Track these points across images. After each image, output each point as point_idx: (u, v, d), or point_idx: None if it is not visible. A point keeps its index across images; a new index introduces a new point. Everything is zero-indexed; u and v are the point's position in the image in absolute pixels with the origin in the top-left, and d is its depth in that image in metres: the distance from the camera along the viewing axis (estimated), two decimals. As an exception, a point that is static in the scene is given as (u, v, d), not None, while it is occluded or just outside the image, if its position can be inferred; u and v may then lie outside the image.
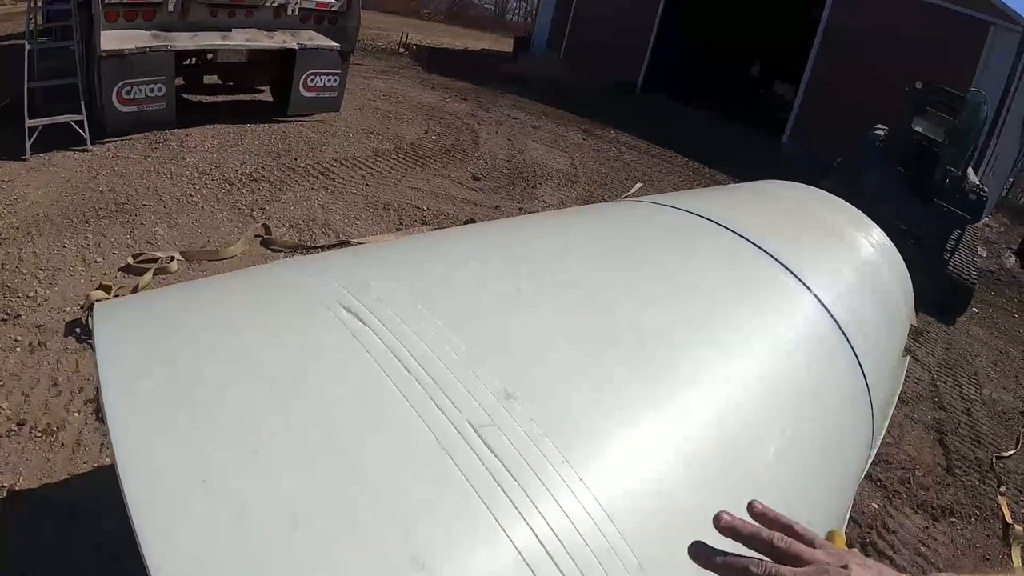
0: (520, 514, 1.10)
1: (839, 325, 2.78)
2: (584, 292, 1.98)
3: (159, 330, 1.49)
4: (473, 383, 1.30)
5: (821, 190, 4.96)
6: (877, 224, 4.72)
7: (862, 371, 2.78)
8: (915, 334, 8.44)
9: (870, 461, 3.23)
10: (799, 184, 5.12)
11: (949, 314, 9.83)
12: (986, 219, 25.83)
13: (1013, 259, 19.12)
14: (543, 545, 1.08)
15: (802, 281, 2.82)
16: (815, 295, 2.80)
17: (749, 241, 2.95)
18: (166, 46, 6.92)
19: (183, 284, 1.92)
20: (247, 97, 9.51)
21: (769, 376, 2.15)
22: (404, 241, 2.52)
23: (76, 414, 3.59)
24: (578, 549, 1.11)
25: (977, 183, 11.19)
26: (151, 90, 7.05)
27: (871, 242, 4.32)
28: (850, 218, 4.60)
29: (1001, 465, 6.19)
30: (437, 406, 1.23)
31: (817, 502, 2.14)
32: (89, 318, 4.18)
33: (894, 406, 4.46)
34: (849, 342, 2.77)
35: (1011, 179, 45.27)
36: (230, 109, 8.79)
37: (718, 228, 3.07)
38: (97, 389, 3.72)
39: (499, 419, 1.24)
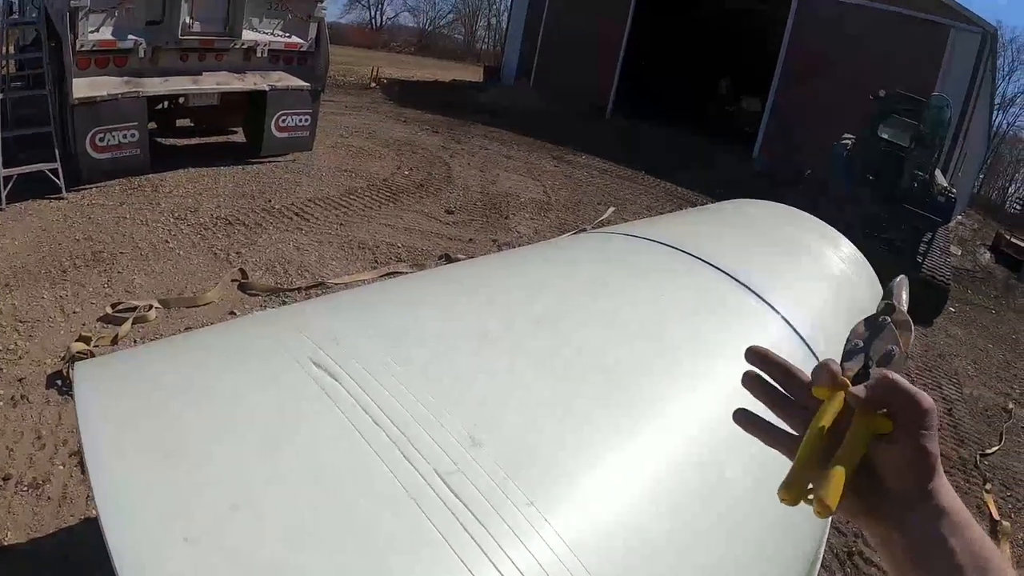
0: (488, 559, 1.14)
1: (806, 343, 2.85)
2: (551, 330, 2.03)
3: (138, 390, 1.53)
4: (439, 432, 1.35)
5: (790, 207, 5.05)
6: (846, 233, 4.81)
7: None
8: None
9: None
10: (768, 202, 5.21)
11: (926, 316, 9.96)
12: (959, 217, 26.22)
13: (988, 255, 19.37)
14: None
15: (769, 304, 2.89)
16: (782, 316, 2.87)
17: (716, 267, 3.02)
18: (138, 92, 6.98)
19: (160, 341, 1.96)
20: (220, 139, 9.56)
21: (737, 400, 2.19)
22: (374, 287, 2.57)
23: (61, 467, 3.59)
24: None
25: (946, 185, 11.39)
26: (124, 136, 7.09)
27: (840, 256, 4.40)
28: (820, 233, 4.69)
29: (986, 462, 6.27)
30: (404, 456, 1.27)
31: (795, 520, 2.18)
32: (70, 370, 4.19)
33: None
34: (816, 358, 2.83)
35: (982, 176, 46.09)
36: (203, 152, 8.84)
37: (685, 257, 3.13)
38: (80, 443, 3.74)
39: (465, 466, 1.29)
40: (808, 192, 10.17)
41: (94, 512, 3.34)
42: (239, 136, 9.59)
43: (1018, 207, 44.68)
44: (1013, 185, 56.09)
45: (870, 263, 4.70)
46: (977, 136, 25.32)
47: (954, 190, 11.48)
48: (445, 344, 1.76)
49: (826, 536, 3.06)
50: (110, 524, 1.10)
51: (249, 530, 1.13)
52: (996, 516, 5.36)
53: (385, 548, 1.14)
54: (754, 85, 18.18)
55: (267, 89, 8.03)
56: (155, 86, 7.20)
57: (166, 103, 8.18)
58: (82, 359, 4.20)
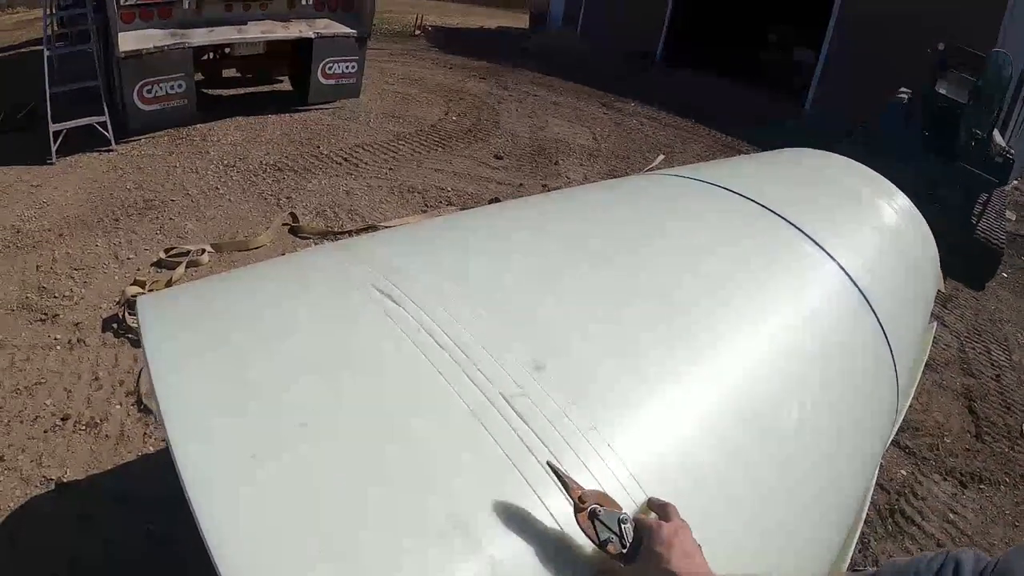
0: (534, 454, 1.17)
1: (862, 292, 2.80)
2: (609, 264, 2.03)
3: (202, 318, 1.56)
4: (502, 356, 1.36)
5: (843, 157, 4.95)
6: (901, 189, 4.71)
7: (886, 338, 2.80)
8: (943, 300, 8.38)
9: (896, 427, 3.26)
10: (820, 151, 5.10)
11: (978, 279, 9.74)
12: (1015, 182, 25.38)
13: (1047, 221, 18.84)
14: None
15: (824, 249, 2.84)
16: (837, 263, 2.82)
17: (770, 211, 2.97)
18: (183, 43, 7.00)
19: (221, 274, 1.99)
20: (266, 88, 9.56)
21: (791, 344, 2.18)
22: (430, 223, 2.57)
23: (118, 406, 3.68)
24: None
25: (1004, 145, 11.06)
26: (171, 87, 7.14)
27: (894, 208, 4.30)
28: (873, 184, 4.59)
29: (1031, 434, 6.15)
30: (469, 377, 1.29)
31: (841, 468, 2.18)
32: (126, 313, 4.29)
33: (921, 372, 4.47)
34: (872, 309, 2.79)
35: (1042, 137, 44.37)
36: (250, 101, 8.86)
37: (739, 199, 3.09)
38: (138, 381, 3.83)
39: (529, 389, 1.30)
40: (861, 146, 9.91)
41: (151, 449, 3.45)
42: (285, 85, 9.59)
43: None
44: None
45: (931, 227, 4.60)
46: (1038, 97, 24.41)
47: (1012, 151, 11.14)
48: (504, 274, 1.76)
49: (872, 486, 3.04)
50: (178, 442, 1.13)
51: (315, 450, 1.15)
52: (1042, 483, 5.26)
53: (449, 468, 1.15)
54: (808, 35, 17.64)
55: (313, 36, 7.99)
56: (201, 36, 7.21)
57: (212, 54, 8.20)
58: (133, 303, 4.32)
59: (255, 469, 1.09)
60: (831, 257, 2.82)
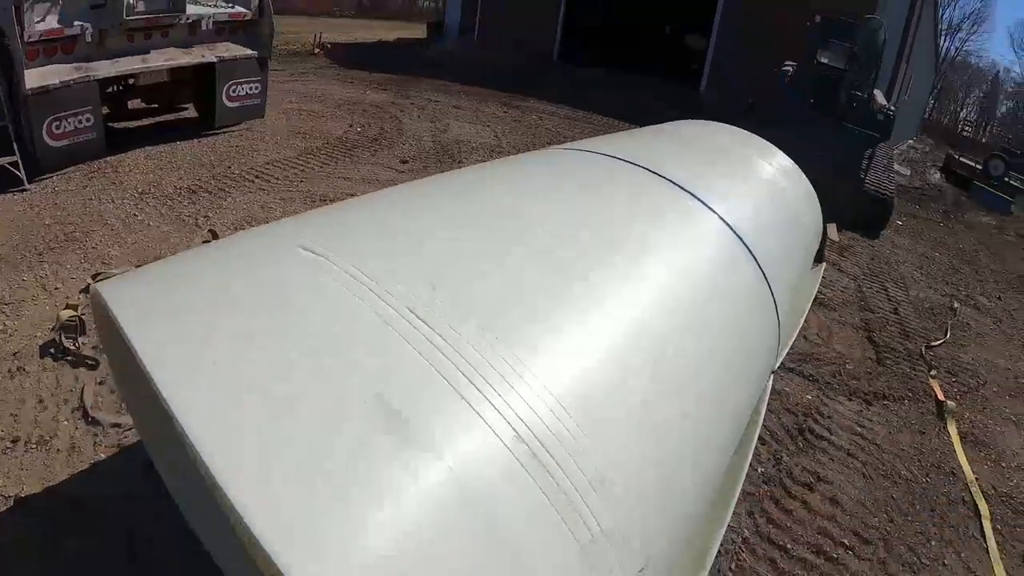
0: (451, 362, 1.45)
1: (741, 239, 3.19)
2: (501, 216, 2.31)
3: (157, 285, 1.79)
4: (405, 281, 1.64)
5: (730, 125, 5.37)
6: (790, 152, 5.14)
7: (765, 278, 3.19)
8: (840, 249, 8.94)
9: (782, 355, 3.65)
10: (710, 122, 5.52)
11: (872, 228, 10.38)
12: (911, 141, 26.80)
13: (939, 175, 19.97)
14: (485, 396, 1.43)
15: (706, 204, 3.23)
16: (718, 215, 3.21)
17: (658, 175, 3.34)
18: (89, 76, 7.03)
19: (163, 260, 2.20)
20: (171, 117, 9.60)
21: (676, 285, 2.52)
22: (341, 203, 2.85)
23: (65, 423, 3.79)
24: (517, 403, 1.48)
25: (885, 104, 11.79)
26: (80, 122, 7.16)
27: (775, 166, 4.75)
28: (756, 147, 5.02)
29: (931, 353, 6.67)
30: (378, 296, 1.56)
31: (727, 386, 2.53)
32: (62, 336, 4.38)
33: (809, 307, 4.90)
34: (751, 253, 3.18)
35: (933, 101, 46.79)
36: (158, 131, 8.90)
37: (630, 166, 3.44)
38: (81, 396, 3.96)
39: (426, 303, 1.59)
40: (755, 119, 10.49)
41: (102, 456, 3.57)
42: (191, 112, 9.64)
43: (969, 130, 45.65)
44: (964, 110, 57.33)
45: (818, 182, 5.06)
46: (923, 61, 25.78)
47: (892, 108, 11.89)
48: (406, 223, 2.04)
49: (764, 408, 3.41)
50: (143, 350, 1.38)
51: (263, 354, 1.41)
52: (941, 398, 5.75)
53: (371, 366, 1.43)
54: (698, 23, 18.32)
55: (215, 60, 8.11)
56: (105, 68, 7.26)
57: (116, 86, 8.20)
58: (71, 325, 4.42)
59: (212, 374, 1.35)
60: (712, 211, 3.20)
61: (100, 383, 4.11)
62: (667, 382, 2.05)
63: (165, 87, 8.55)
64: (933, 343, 6.94)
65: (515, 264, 1.96)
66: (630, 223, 2.76)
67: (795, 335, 4.40)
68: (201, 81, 8.56)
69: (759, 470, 4.31)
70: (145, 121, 9.31)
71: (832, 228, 9.22)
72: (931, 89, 38.85)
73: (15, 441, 3.64)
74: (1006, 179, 18.85)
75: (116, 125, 8.71)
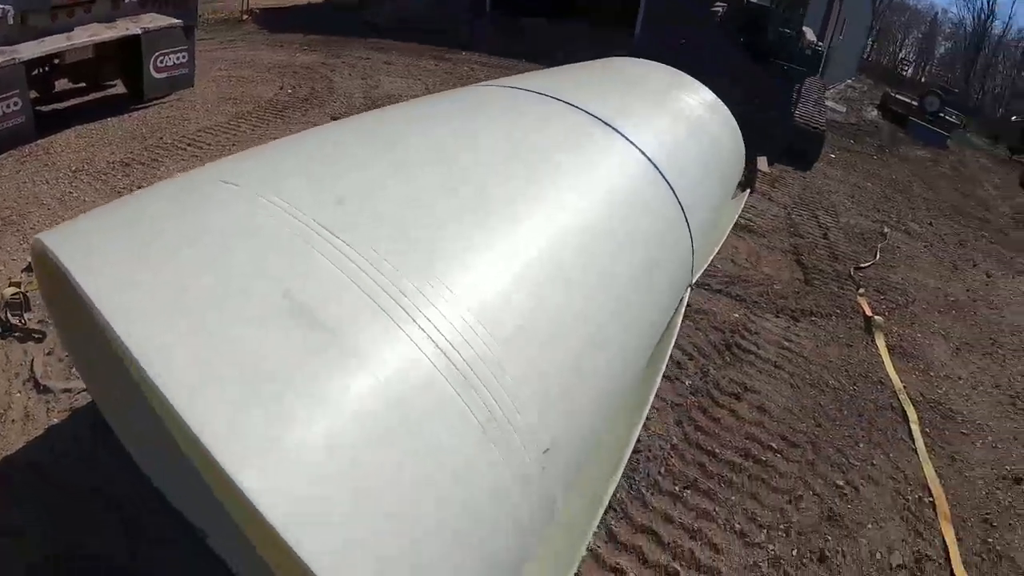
0: (356, 264, 1.61)
1: (655, 164, 3.40)
2: (417, 146, 2.46)
3: (98, 228, 1.91)
4: (318, 197, 1.79)
5: (656, 63, 5.54)
6: (719, 88, 5.36)
7: (677, 199, 3.42)
8: (771, 182, 9.22)
9: (699, 271, 3.88)
10: (638, 59, 5.69)
11: (803, 160, 10.69)
12: (849, 80, 27.29)
13: (875, 112, 20.49)
14: (387, 292, 1.60)
15: (620, 132, 3.43)
16: (632, 143, 3.42)
17: (580, 109, 3.52)
18: (14, 59, 6.91)
19: (98, 208, 2.30)
20: (100, 95, 9.46)
21: (589, 205, 2.72)
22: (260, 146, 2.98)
23: (18, 394, 3.86)
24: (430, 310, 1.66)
25: (813, 41, 12.08)
26: (7, 106, 7.03)
27: (698, 100, 4.95)
28: (678, 81, 5.22)
29: (860, 274, 6.98)
30: (289, 214, 1.72)
31: (638, 298, 2.74)
32: (7, 313, 4.42)
33: (729, 229, 5.13)
34: (664, 177, 3.41)
35: (872, 43, 47.45)
36: (87, 110, 8.76)
37: (549, 99, 3.62)
38: (31, 367, 4.03)
39: (335, 217, 1.74)
40: (688, 58, 10.69)
41: (56, 420, 3.66)
42: (119, 88, 9.51)
43: (907, 71, 46.55)
44: (904, 51, 58.45)
45: (747, 116, 5.30)
46: (859, 2, 26.17)
47: (820, 44, 12.20)
48: (322, 153, 2.18)
49: (679, 323, 3.64)
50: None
51: (193, 280, 1.56)
52: (869, 313, 6.05)
53: (287, 271, 1.58)
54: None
55: (140, 32, 8.01)
56: (30, 50, 7.11)
57: (41, 68, 8.06)
58: (16, 302, 4.46)
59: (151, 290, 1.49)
60: (626, 138, 3.41)
61: (48, 353, 4.17)
62: (578, 294, 2.22)
63: (91, 64, 8.40)
64: (862, 264, 7.26)
65: (427, 184, 2.11)
66: (544, 150, 2.93)
67: (713, 253, 4.63)
68: (127, 54, 8.44)
69: (687, 383, 4.56)
70: (73, 101, 9.15)
71: (763, 161, 9.48)
72: (869, 30, 39.41)
73: (-31, 418, 3.70)
74: (941, 115, 19.47)
75: (44, 108, 8.56)
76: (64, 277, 1.62)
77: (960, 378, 5.54)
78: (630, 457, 3.47)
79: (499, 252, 2.04)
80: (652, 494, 3.67)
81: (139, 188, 6.43)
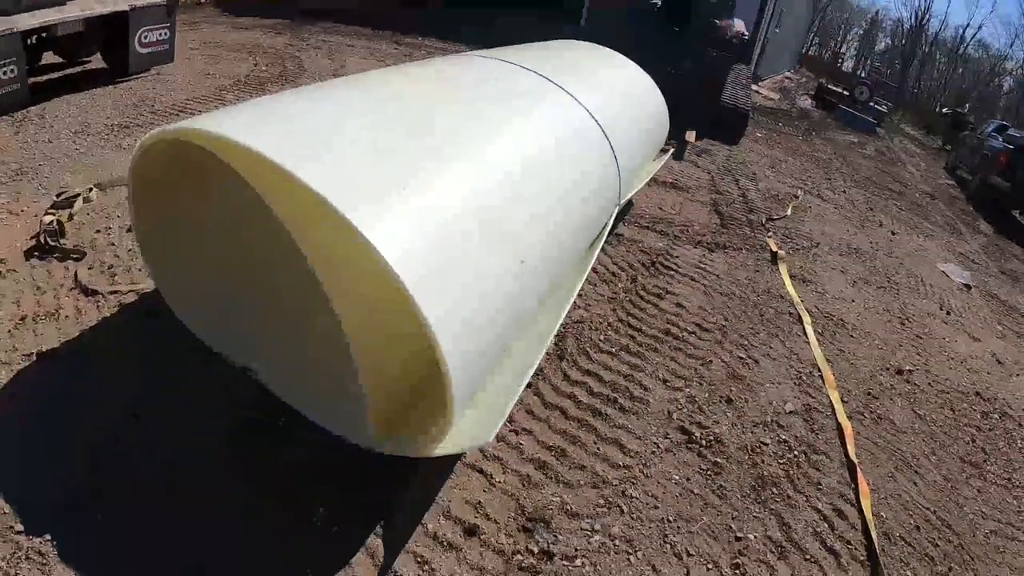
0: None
1: (597, 122, 4.45)
2: (398, 103, 3.40)
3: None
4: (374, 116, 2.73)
5: (600, 45, 6.62)
6: (652, 70, 6.47)
7: (612, 149, 4.47)
8: (698, 152, 10.29)
9: (624, 199, 4.94)
10: (584, 42, 6.76)
11: (730, 135, 11.79)
12: (787, 72, 28.66)
13: (809, 102, 21.86)
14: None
15: (564, 89, 4.48)
16: (578, 100, 4.47)
17: (538, 74, 4.56)
18: (11, 28, 7.52)
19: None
20: (78, 70, 10.00)
21: (536, 137, 3.77)
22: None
23: (66, 298, 4.54)
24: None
25: (742, 32, 13.19)
26: (4, 73, 7.61)
27: (629, 75, 6.04)
28: (616, 61, 6.32)
29: (771, 224, 8.05)
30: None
31: (579, 222, 3.78)
32: (46, 239, 5.05)
33: (654, 171, 6.17)
34: (604, 133, 4.48)
35: (815, 38, 48.99)
36: (70, 81, 9.34)
37: (508, 64, 4.64)
38: (75, 277, 4.73)
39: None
40: (627, 46, 11.69)
41: (107, 312, 4.40)
42: (94, 64, 10.08)
43: (847, 65, 48.47)
44: (845, 46, 60.85)
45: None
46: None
47: (746, 33, 13.32)
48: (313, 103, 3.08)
49: (605, 234, 4.65)
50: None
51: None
52: (775, 250, 7.11)
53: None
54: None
55: (128, 9, 8.68)
56: (26, 21, 7.71)
57: (33, 38, 8.62)
58: (52, 230, 5.10)
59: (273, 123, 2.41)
60: (573, 97, 4.45)
61: (90, 268, 4.85)
62: (524, 202, 3.21)
63: (80, 37, 8.98)
64: (774, 217, 8.32)
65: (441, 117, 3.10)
66: (507, 100, 3.95)
67: (637, 188, 5.62)
68: (112, 29, 9.05)
69: (619, 286, 5.58)
70: (54, 75, 9.72)
71: (691, 134, 10.58)
72: (809, 26, 41.01)
73: (23, 319, 4.30)
74: (871, 103, 21.06)
75: (30, 80, 9.11)
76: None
77: (853, 300, 6.62)
78: (576, 327, 4.50)
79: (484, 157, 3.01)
80: (594, 352, 4.75)
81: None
